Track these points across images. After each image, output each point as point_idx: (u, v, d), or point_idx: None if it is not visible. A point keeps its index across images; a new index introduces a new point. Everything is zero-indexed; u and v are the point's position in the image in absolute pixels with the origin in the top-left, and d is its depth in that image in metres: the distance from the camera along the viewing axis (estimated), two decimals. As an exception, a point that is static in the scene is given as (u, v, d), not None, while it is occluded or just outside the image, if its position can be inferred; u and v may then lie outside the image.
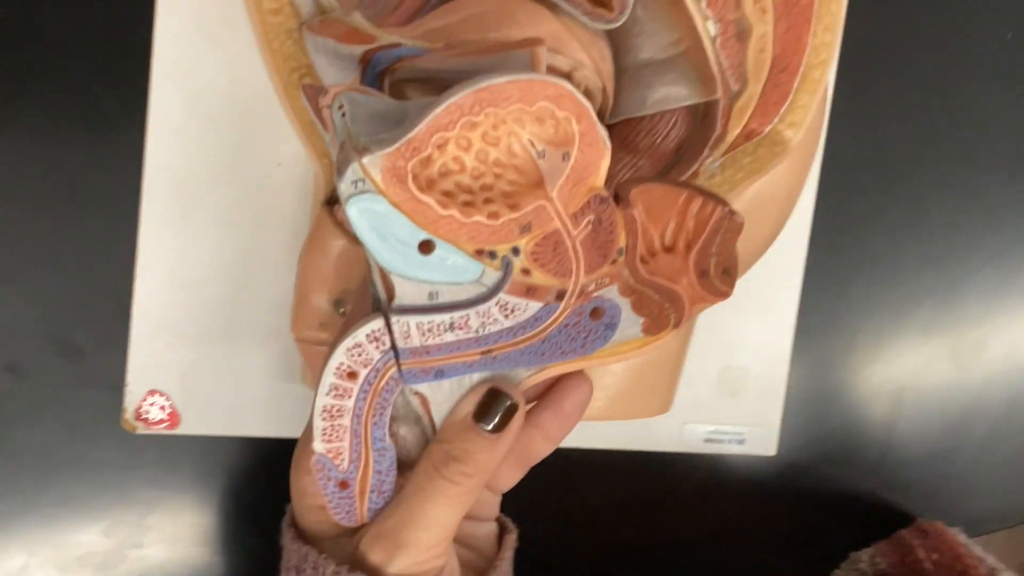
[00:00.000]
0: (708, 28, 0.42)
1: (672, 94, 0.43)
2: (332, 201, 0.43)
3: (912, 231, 0.57)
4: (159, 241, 0.46)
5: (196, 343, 0.47)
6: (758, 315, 0.54)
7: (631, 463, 0.55)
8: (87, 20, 0.45)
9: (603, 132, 0.32)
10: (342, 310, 0.42)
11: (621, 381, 0.48)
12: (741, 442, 0.55)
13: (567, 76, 0.40)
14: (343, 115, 0.32)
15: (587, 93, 0.41)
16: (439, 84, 0.38)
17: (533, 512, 0.42)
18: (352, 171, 0.30)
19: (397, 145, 0.30)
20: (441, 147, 0.30)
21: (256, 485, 0.50)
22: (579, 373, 0.37)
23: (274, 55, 0.41)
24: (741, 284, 0.49)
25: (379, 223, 0.31)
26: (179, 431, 0.47)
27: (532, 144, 0.32)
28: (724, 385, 0.54)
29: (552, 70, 0.40)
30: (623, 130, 0.43)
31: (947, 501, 0.61)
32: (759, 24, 0.43)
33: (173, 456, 0.49)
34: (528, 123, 0.31)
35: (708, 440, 0.55)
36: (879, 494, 0.59)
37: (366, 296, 0.37)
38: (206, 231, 0.47)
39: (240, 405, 0.48)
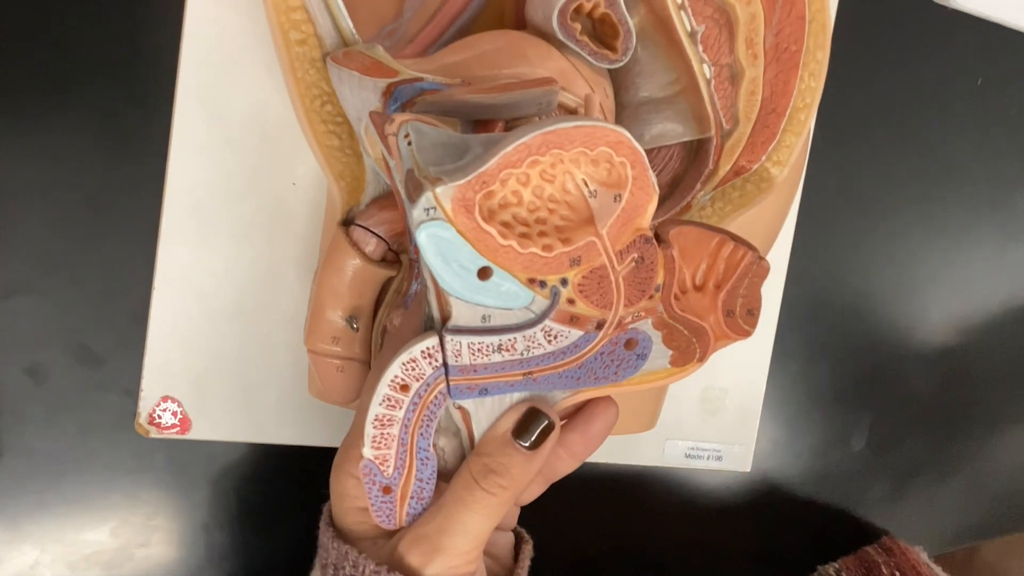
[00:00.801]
0: (704, 71, 0.46)
1: (669, 131, 0.46)
2: (348, 222, 0.45)
3: (884, 262, 0.60)
4: (177, 254, 0.48)
5: (208, 352, 0.49)
6: (739, 338, 0.57)
7: (613, 476, 0.57)
8: (115, 41, 0.47)
9: (653, 178, 0.34)
10: (355, 325, 0.45)
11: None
12: (719, 459, 0.58)
13: (573, 112, 0.43)
14: (409, 143, 0.35)
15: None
16: (459, 118, 0.41)
17: (517, 521, 0.45)
18: (425, 199, 0.32)
19: (468, 178, 0.32)
20: (503, 181, 0.33)
21: (259, 489, 0.52)
22: (607, 398, 0.40)
23: (298, 83, 0.44)
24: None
25: (445, 248, 0.33)
26: (189, 436, 0.49)
27: (585, 183, 0.34)
28: (705, 404, 0.57)
29: (560, 107, 0.42)
30: (622, 163, 0.46)
31: (911, 520, 0.64)
32: (751, 68, 0.46)
33: (180, 459, 0.51)
34: (583, 164, 0.33)
35: (688, 456, 0.58)
36: (847, 511, 0.62)
37: (414, 316, 0.39)
38: (222, 245, 0.49)
39: (248, 412, 0.50)
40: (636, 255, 0.36)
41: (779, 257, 0.57)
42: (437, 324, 0.36)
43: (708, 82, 0.46)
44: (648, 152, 0.47)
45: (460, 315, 0.35)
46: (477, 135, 0.36)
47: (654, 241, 0.36)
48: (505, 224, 0.34)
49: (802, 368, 0.60)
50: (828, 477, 0.62)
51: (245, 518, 0.52)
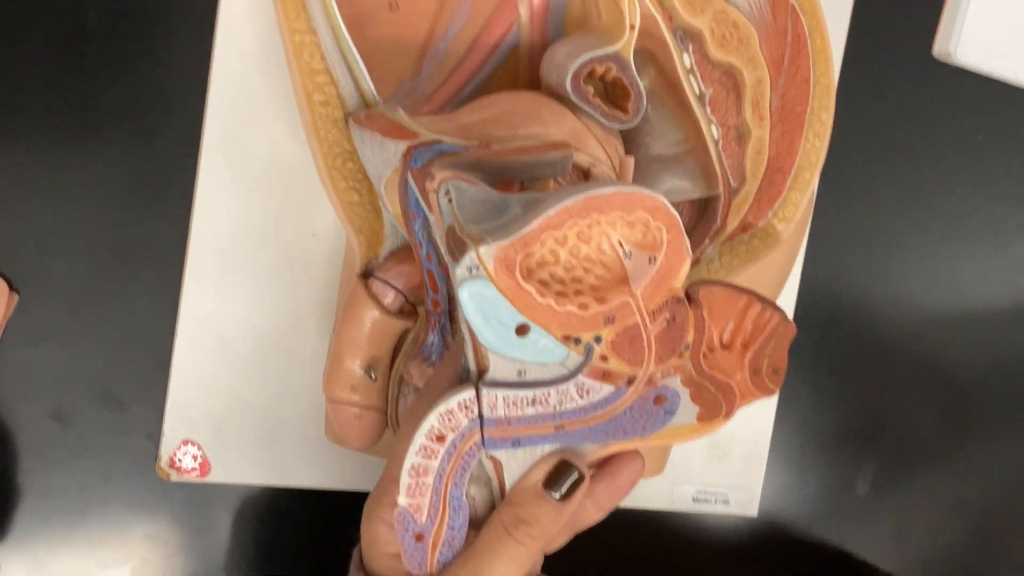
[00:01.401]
0: (712, 131, 0.47)
1: (678, 187, 0.48)
2: (367, 274, 0.47)
3: (889, 310, 0.61)
4: (200, 301, 0.50)
5: (229, 397, 0.51)
6: (745, 385, 0.58)
7: (622, 519, 0.58)
8: (142, 95, 0.49)
9: (687, 241, 0.36)
10: (373, 375, 0.46)
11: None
12: (726, 503, 0.59)
13: (586, 171, 0.44)
14: (449, 201, 0.36)
15: (620, 175, 0.45)
16: (477, 178, 0.42)
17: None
18: (468, 258, 0.34)
19: (511, 239, 0.34)
20: (543, 241, 0.34)
21: (277, 531, 0.53)
22: (634, 452, 0.41)
23: (321, 142, 0.45)
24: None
25: (485, 306, 0.35)
26: (209, 479, 0.51)
27: (621, 244, 0.35)
28: (713, 449, 0.59)
29: (574, 166, 0.44)
30: (632, 219, 0.48)
31: (915, 563, 0.65)
32: (757, 129, 0.48)
33: (200, 501, 0.52)
34: (619, 226, 0.35)
35: (696, 500, 0.59)
36: (852, 554, 0.63)
37: (448, 368, 0.40)
38: (243, 293, 0.50)
39: (267, 456, 0.52)
40: (668, 315, 0.37)
41: (785, 304, 0.58)
42: (473, 377, 0.37)
43: (716, 142, 0.47)
44: (658, 208, 0.49)
45: (497, 369, 0.36)
46: (515, 194, 0.38)
47: (686, 302, 0.37)
48: (543, 283, 0.35)
49: (808, 414, 0.61)
50: (833, 521, 0.63)
51: (263, 560, 0.53)
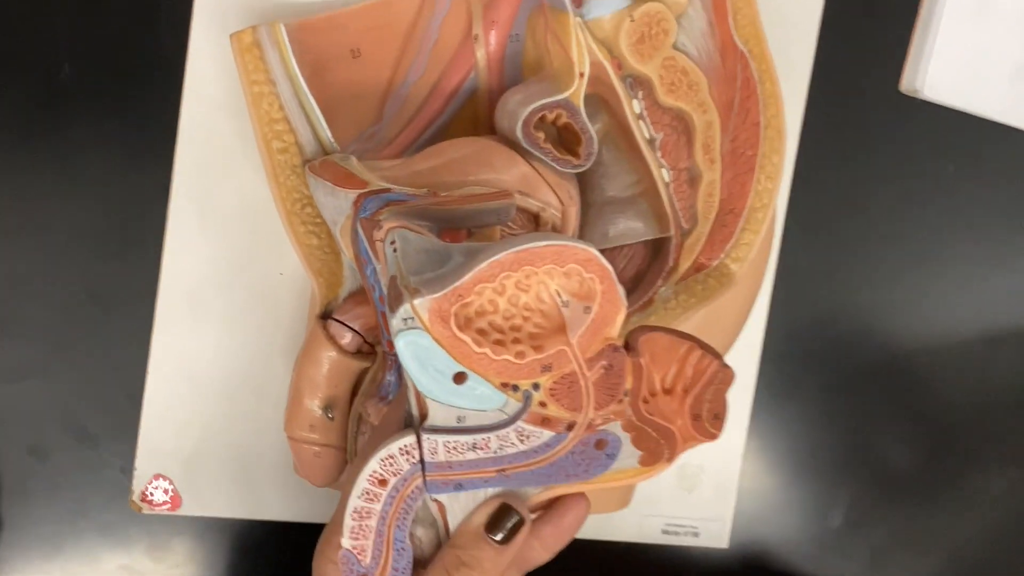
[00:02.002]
0: (663, 175, 0.48)
1: (631, 229, 0.49)
2: (326, 315, 0.48)
3: (858, 341, 0.62)
4: (171, 341, 0.52)
5: (199, 433, 0.52)
6: (713, 418, 0.59)
7: (592, 552, 0.59)
8: (115, 142, 0.51)
9: (621, 291, 0.37)
10: (331, 415, 0.47)
11: (583, 478, 0.53)
12: (696, 535, 0.60)
13: (535, 216, 0.46)
14: (395, 250, 0.38)
15: (554, 229, 0.46)
16: (426, 225, 0.44)
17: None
18: (404, 310, 0.35)
19: (445, 292, 0.35)
20: (479, 292, 0.35)
21: (247, 562, 0.55)
22: (579, 494, 0.41)
23: (280, 187, 0.47)
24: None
25: (422, 355, 0.36)
26: (180, 512, 0.52)
27: (558, 294, 0.36)
28: (682, 481, 0.59)
29: (521, 211, 0.45)
30: (586, 260, 0.49)
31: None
32: (708, 172, 0.48)
33: (173, 533, 0.54)
34: (556, 276, 0.36)
35: (665, 532, 0.59)
36: (826, 585, 0.64)
37: (396, 411, 0.42)
38: (213, 332, 0.52)
39: (237, 490, 0.53)
40: (605, 362, 0.38)
41: (752, 338, 0.59)
42: (416, 422, 0.38)
43: (667, 185, 0.48)
44: (612, 249, 0.50)
45: (436, 415, 0.38)
46: (458, 244, 0.39)
47: (623, 350, 0.38)
48: (480, 332, 0.36)
49: (780, 445, 0.62)
50: (806, 553, 0.63)
51: (231, 592, 0.55)
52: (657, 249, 0.50)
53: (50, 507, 0.52)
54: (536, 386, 0.38)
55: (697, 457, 0.59)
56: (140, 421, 0.52)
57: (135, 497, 0.52)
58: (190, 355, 0.52)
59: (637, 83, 0.47)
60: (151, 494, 0.52)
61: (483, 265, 0.35)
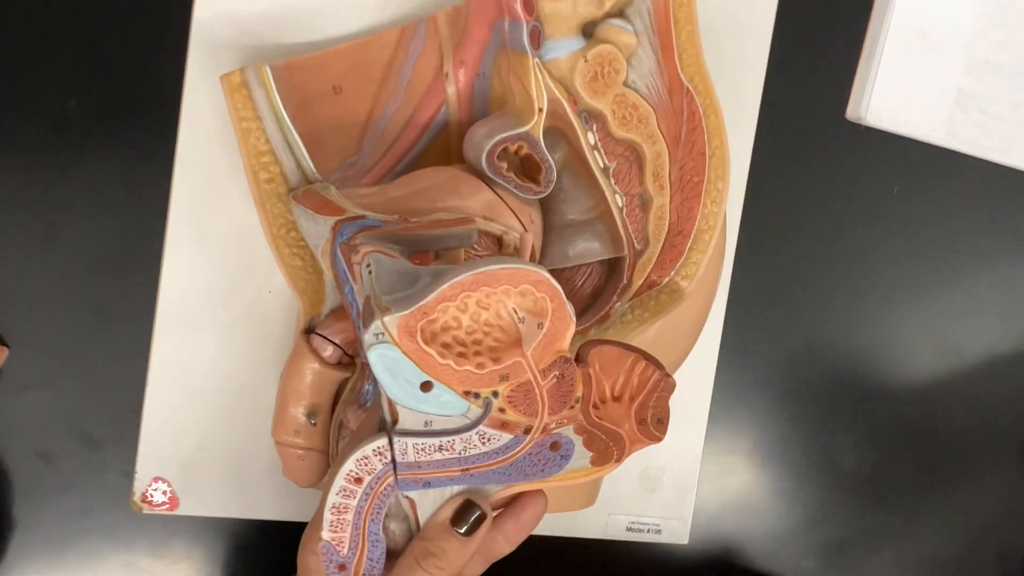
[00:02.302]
0: (616, 200, 0.53)
1: (589, 249, 0.54)
2: (309, 330, 0.52)
3: (808, 351, 0.66)
4: (169, 353, 0.56)
5: (196, 439, 0.57)
6: (674, 423, 0.63)
7: (559, 548, 0.64)
8: (117, 169, 0.56)
9: (570, 309, 0.41)
10: (313, 421, 0.52)
11: (550, 479, 0.57)
12: (658, 532, 0.64)
13: (499, 238, 0.50)
14: (370, 273, 0.42)
15: (516, 250, 0.51)
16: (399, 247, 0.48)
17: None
18: (375, 325, 0.39)
19: (411, 310, 0.39)
20: (443, 310, 0.40)
21: (242, 560, 0.59)
22: (538, 491, 0.46)
23: (266, 214, 0.51)
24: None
25: (392, 366, 0.40)
26: (178, 512, 0.57)
27: (515, 311, 0.41)
28: (644, 482, 0.64)
29: (485, 234, 0.50)
30: (548, 278, 0.53)
31: (842, 588, 0.69)
32: (658, 197, 0.53)
33: (173, 533, 0.58)
34: (514, 295, 0.40)
35: (629, 529, 0.64)
36: (783, 580, 0.68)
37: (372, 417, 0.46)
38: (208, 345, 0.56)
39: (231, 491, 0.58)
40: (557, 372, 0.42)
41: (709, 348, 0.63)
42: (388, 426, 0.43)
43: (620, 209, 0.53)
44: (573, 267, 0.54)
45: (406, 420, 0.42)
46: (427, 267, 0.44)
47: (573, 361, 0.43)
48: (445, 345, 0.40)
49: (736, 447, 0.66)
50: (762, 549, 0.67)
51: (225, 585, 0.59)
52: (613, 268, 0.55)
53: (57, 508, 0.57)
54: (495, 394, 0.42)
55: (659, 460, 0.63)
56: (141, 427, 0.56)
57: (136, 498, 0.56)
58: (187, 366, 0.56)
59: (592, 117, 0.52)
60: (151, 495, 0.56)
61: (445, 286, 0.39)
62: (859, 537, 0.69)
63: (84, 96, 0.55)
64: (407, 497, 0.44)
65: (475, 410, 0.42)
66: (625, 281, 0.54)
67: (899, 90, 0.64)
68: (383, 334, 0.40)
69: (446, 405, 0.42)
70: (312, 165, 0.52)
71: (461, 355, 0.41)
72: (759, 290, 0.65)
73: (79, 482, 0.57)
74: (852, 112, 0.65)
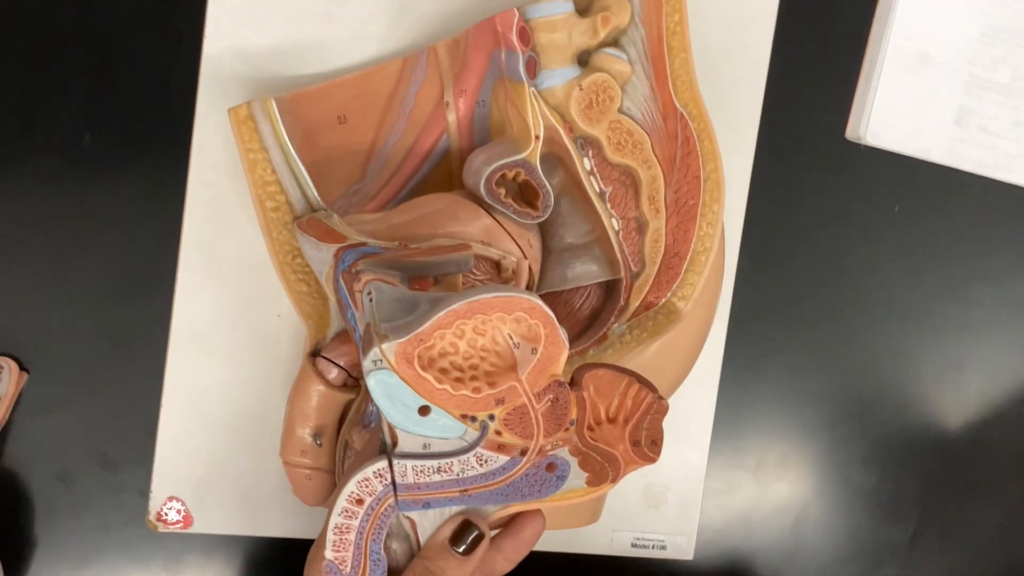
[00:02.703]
0: (612, 224, 0.54)
1: (587, 272, 0.55)
2: (315, 353, 0.54)
3: (811, 369, 0.67)
4: (182, 376, 0.58)
5: (208, 459, 0.58)
6: (677, 440, 0.64)
7: (565, 565, 0.65)
8: (130, 200, 0.57)
9: (563, 334, 0.42)
10: (319, 442, 0.53)
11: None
12: (663, 548, 0.65)
13: (497, 263, 0.51)
14: (371, 300, 0.44)
15: (514, 275, 0.52)
16: (398, 274, 0.50)
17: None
18: (373, 352, 0.41)
19: (408, 337, 0.41)
20: (441, 336, 0.41)
21: (253, 574, 0.61)
22: (536, 511, 0.47)
23: (273, 241, 0.53)
24: (663, 414, 0.60)
25: (390, 391, 0.42)
26: (191, 530, 0.59)
27: (511, 337, 0.42)
28: (648, 499, 0.65)
29: (484, 259, 0.51)
30: (547, 300, 0.54)
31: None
32: (654, 220, 0.54)
33: (187, 550, 0.60)
34: (509, 322, 0.42)
35: (634, 546, 0.65)
36: (790, 595, 0.69)
37: (375, 438, 0.48)
38: (219, 369, 0.58)
39: (243, 509, 0.59)
40: (552, 396, 0.44)
41: (711, 365, 0.64)
42: (388, 448, 0.44)
43: (617, 233, 0.54)
44: (571, 290, 0.56)
45: (405, 443, 0.43)
46: (426, 293, 0.45)
47: (567, 385, 0.44)
48: (442, 371, 0.42)
49: (740, 462, 0.67)
50: (769, 565, 0.68)
51: (236, 601, 0.61)
52: (611, 290, 0.56)
53: (76, 527, 0.59)
54: (492, 417, 0.43)
55: (662, 476, 0.64)
56: (155, 448, 0.58)
57: (151, 517, 0.58)
58: (199, 389, 0.58)
59: (587, 143, 0.53)
60: (165, 514, 0.58)
61: (441, 314, 0.41)
62: (865, 552, 0.69)
63: (99, 129, 0.57)
64: (408, 517, 0.45)
65: (472, 433, 0.44)
66: (622, 303, 0.55)
67: (899, 109, 0.65)
68: (381, 360, 0.41)
69: (444, 428, 0.43)
70: (317, 194, 0.53)
71: (458, 380, 0.42)
72: (761, 308, 0.66)
73: (96, 502, 0.59)
74: (852, 132, 0.66)
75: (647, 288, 0.55)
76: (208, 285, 0.58)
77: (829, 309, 0.67)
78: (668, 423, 0.60)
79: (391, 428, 0.43)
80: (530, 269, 0.53)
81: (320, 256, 0.51)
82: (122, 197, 0.58)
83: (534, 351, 0.42)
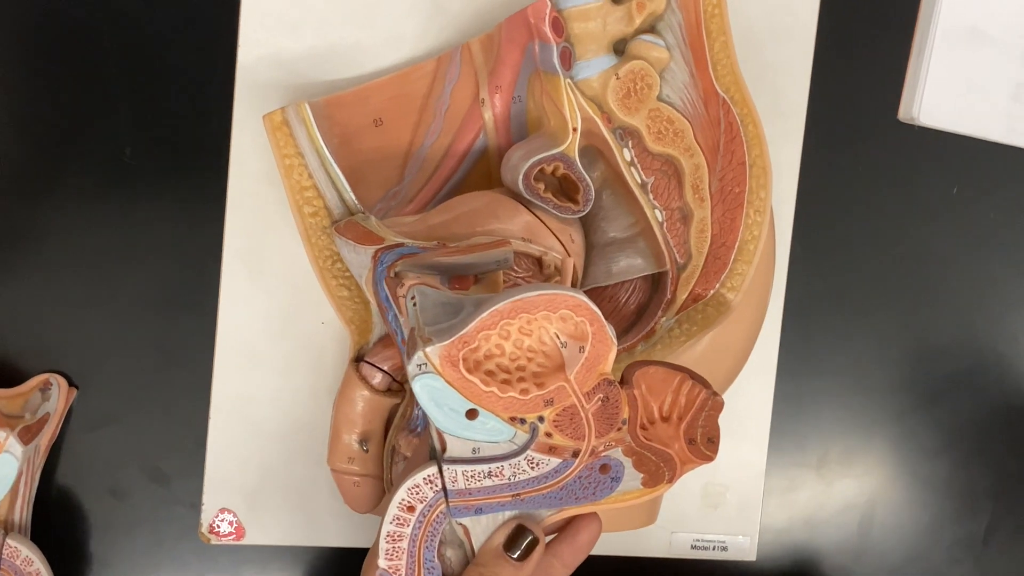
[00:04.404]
0: (656, 215, 0.53)
1: (632, 266, 0.53)
2: (358, 358, 0.53)
3: (874, 358, 0.65)
4: (229, 386, 0.58)
5: (259, 469, 0.58)
6: (734, 437, 0.62)
7: (623, 568, 0.63)
8: (172, 211, 0.58)
9: (611, 331, 0.41)
10: (366, 448, 0.53)
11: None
12: (724, 549, 0.63)
13: (538, 260, 0.50)
14: (415, 304, 0.43)
15: (557, 271, 0.51)
16: (438, 274, 0.49)
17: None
18: (417, 356, 0.40)
19: (452, 339, 0.40)
20: (486, 337, 0.40)
21: (307, 586, 0.60)
22: (592, 514, 0.46)
23: (312, 247, 0.53)
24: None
25: (436, 395, 0.41)
26: (244, 542, 0.58)
27: (557, 336, 0.41)
28: (707, 499, 0.63)
29: (524, 255, 0.50)
30: (592, 296, 0.53)
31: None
32: (699, 210, 0.53)
33: (240, 561, 0.60)
34: (555, 320, 0.40)
35: (694, 547, 0.63)
36: (859, 595, 0.66)
37: (424, 445, 0.47)
38: (266, 378, 0.58)
39: (294, 519, 0.59)
40: (602, 395, 0.42)
41: (767, 359, 0.62)
42: (438, 454, 0.43)
43: (660, 224, 0.53)
44: (615, 286, 0.54)
45: (454, 448, 0.42)
46: (470, 296, 0.44)
47: (616, 383, 0.42)
48: (488, 373, 0.41)
49: (802, 459, 0.65)
50: (836, 565, 0.66)
51: (290, 612, 0.60)
52: (657, 283, 0.54)
53: (129, 542, 0.59)
54: (541, 419, 0.42)
55: (720, 475, 0.63)
56: (205, 460, 0.58)
57: (204, 529, 0.58)
58: (247, 399, 0.58)
59: (627, 133, 0.52)
60: (218, 526, 0.58)
61: (485, 314, 0.40)
62: (938, 549, 0.67)
63: (138, 143, 0.57)
64: (460, 524, 0.44)
65: (522, 436, 0.42)
66: (669, 296, 0.53)
67: (952, 87, 0.63)
68: (426, 364, 0.40)
69: (493, 432, 0.42)
70: (354, 197, 0.53)
71: (505, 382, 0.41)
72: (817, 297, 0.64)
73: (149, 516, 0.59)
74: (904, 113, 0.63)
75: (694, 280, 0.53)
76: (252, 294, 0.57)
77: (888, 295, 0.65)
78: (724, 420, 0.58)
79: (439, 433, 0.42)
80: (573, 266, 0.51)
81: (359, 259, 0.50)
82: (163, 209, 0.58)
83: (581, 349, 0.41)
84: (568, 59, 0.51)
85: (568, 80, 0.51)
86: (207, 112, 0.57)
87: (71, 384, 0.57)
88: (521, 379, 0.41)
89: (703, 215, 0.53)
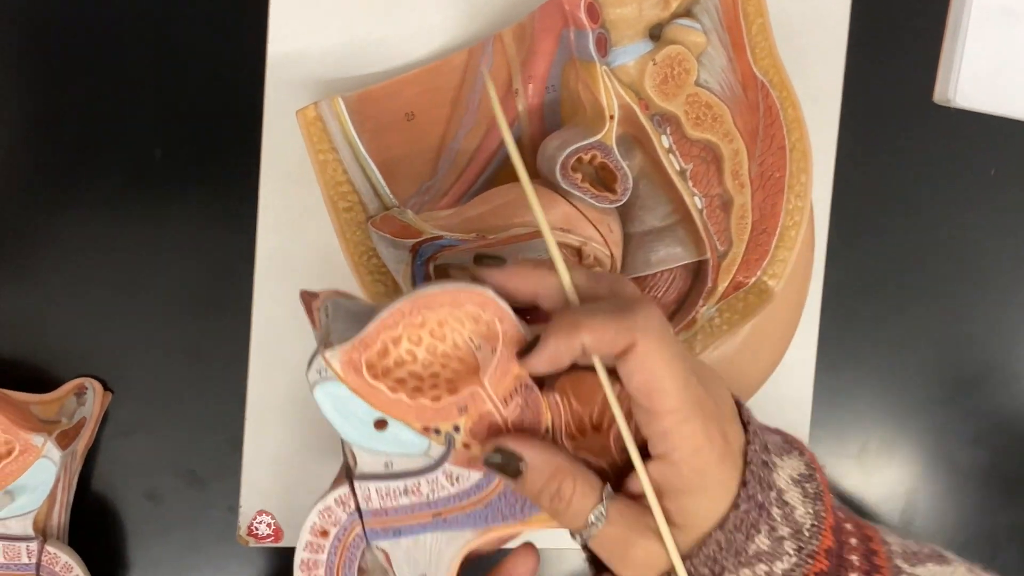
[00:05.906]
0: (695, 202, 0.52)
1: (671, 255, 0.53)
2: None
3: (912, 346, 0.64)
4: (264, 388, 0.57)
5: (295, 470, 0.57)
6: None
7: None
8: (203, 212, 0.57)
9: (523, 331, 0.37)
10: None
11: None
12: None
13: (578, 251, 0.50)
14: (327, 316, 0.40)
15: (596, 261, 0.50)
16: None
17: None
18: (317, 362, 0.37)
19: (352, 342, 0.36)
20: (396, 342, 0.37)
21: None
22: (527, 546, 0.42)
23: (347, 243, 0.52)
24: (758, 401, 0.58)
25: (340, 405, 0.37)
26: (283, 544, 0.58)
27: (471, 340, 0.38)
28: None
29: (565, 246, 0.49)
30: (632, 286, 0.53)
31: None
32: (738, 196, 0.52)
33: (277, 564, 0.59)
34: (467, 322, 0.38)
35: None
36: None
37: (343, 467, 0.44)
38: (302, 378, 0.57)
39: (331, 521, 0.58)
40: (521, 400, 0.38)
41: (806, 350, 0.62)
42: (351, 472, 0.40)
43: (700, 212, 0.52)
44: (655, 275, 0.53)
45: (365, 463, 0.38)
46: (382, 303, 0.39)
47: (535, 387, 0.38)
48: (399, 380, 0.38)
49: (843, 449, 0.64)
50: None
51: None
52: (697, 272, 0.54)
53: (167, 546, 0.58)
54: (457, 428, 0.38)
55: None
56: (242, 463, 0.57)
57: (242, 532, 0.57)
58: (282, 399, 0.57)
59: (664, 120, 0.51)
60: (256, 528, 0.57)
61: (384, 314, 0.37)
62: (981, 537, 0.66)
63: (169, 144, 0.57)
64: (380, 549, 0.40)
65: (437, 447, 0.39)
66: (710, 284, 0.52)
67: (988, 68, 0.62)
68: (326, 370, 0.37)
69: (405, 444, 0.38)
70: (389, 192, 0.52)
71: (417, 389, 0.38)
72: (856, 284, 0.63)
73: (186, 519, 0.58)
74: (940, 95, 0.62)
75: (735, 267, 0.53)
76: (285, 293, 0.57)
77: (927, 281, 0.64)
78: (763, 412, 0.58)
79: (348, 447, 0.39)
80: (612, 256, 0.51)
81: (396, 254, 0.49)
82: (195, 210, 0.57)
83: (494, 350, 0.38)
84: (604, 45, 0.50)
85: (604, 67, 0.50)
86: (237, 111, 0.57)
87: (106, 388, 0.57)
88: (434, 386, 0.38)
89: (743, 201, 0.52)
